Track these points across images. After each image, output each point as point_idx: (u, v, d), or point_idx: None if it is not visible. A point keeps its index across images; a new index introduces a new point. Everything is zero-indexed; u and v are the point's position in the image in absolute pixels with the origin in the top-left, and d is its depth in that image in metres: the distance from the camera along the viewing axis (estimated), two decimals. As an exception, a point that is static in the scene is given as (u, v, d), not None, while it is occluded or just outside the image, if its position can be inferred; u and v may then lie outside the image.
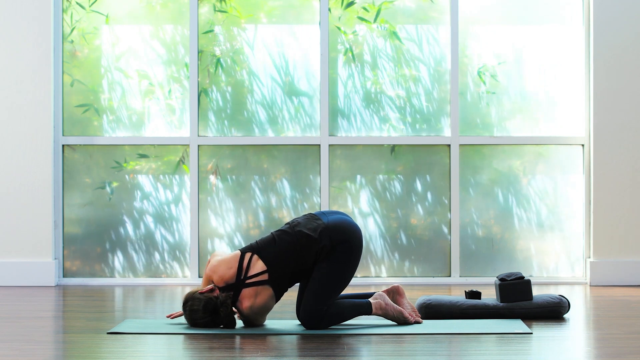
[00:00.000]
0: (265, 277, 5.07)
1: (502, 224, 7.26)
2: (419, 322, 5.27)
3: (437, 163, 7.24)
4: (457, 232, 7.19)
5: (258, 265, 5.09)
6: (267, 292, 5.08)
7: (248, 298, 5.06)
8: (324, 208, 7.15)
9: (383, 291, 5.32)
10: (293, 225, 5.15)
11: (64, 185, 7.19)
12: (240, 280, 5.07)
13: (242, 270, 5.08)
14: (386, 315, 5.22)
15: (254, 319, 5.13)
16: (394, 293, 5.33)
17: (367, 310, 5.19)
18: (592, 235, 7.09)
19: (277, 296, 5.13)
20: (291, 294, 6.50)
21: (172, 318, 5.34)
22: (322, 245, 5.07)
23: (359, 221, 7.20)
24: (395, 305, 5.23)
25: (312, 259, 5.09)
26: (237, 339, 4.90)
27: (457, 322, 5.35)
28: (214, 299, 5.03)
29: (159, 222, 7.25)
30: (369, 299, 5.23)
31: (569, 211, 7.24)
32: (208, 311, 5.04)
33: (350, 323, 5.26)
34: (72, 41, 7.21)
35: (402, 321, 5.23)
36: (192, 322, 5.10)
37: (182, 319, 5.34)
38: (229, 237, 7.21)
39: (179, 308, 6.13)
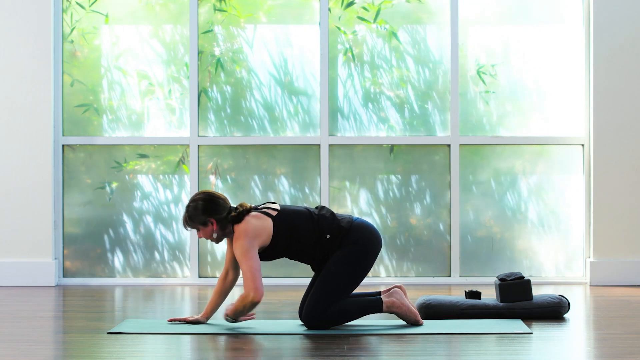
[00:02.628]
0: (273, 212, 5.12)
1: (502, 224, 7.26)
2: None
3: (437, 163, 7.24)
4: (457, 232, 7.19)
5: (273, 206, 5.18)
6: (267, 224, 5.08)
7: (250, 217, 5.07)
8: (324, 208, 7.15)
9: (384, 291, 5.30)
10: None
11: (64, 185, 7.19)
12: (253, 207, 5.18)
13: (258, 205, 5.21)
14: (398, 314, 5.19)
15: (239, 249, 5.03)
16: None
17: (377, 308, 5.16)
18: (592, 235, 7.09)
19: (270, 250, 5.10)
20: (292, 294, 6.50)
21: (172, 321, 5.29)
22: (338, 231, 5.08)
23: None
24: (411, 306, 5.20)
25: (320, 235, 5.08)
26: (237, 340, 4.90)
27: (457, 322, 5.35)
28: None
29: (159, 222, 7.25)
30: (381, 296, 5.20)
31: (569, 211, 7.24)
32: (209, 199, 5.09)
33: (351, 323, 5.25)
34: (72, 41, 7.21)
35: (412, 322, 5.21)
36: (188, 207, 5.10)
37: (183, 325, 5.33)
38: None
39: (179, 308, 6.14)
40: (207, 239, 5.15)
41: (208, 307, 5.28)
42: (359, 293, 5.32)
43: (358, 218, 5.21)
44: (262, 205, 5.19)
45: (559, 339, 4.95)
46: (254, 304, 5.02)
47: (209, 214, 5.08)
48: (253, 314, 5.23)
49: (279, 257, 5.19)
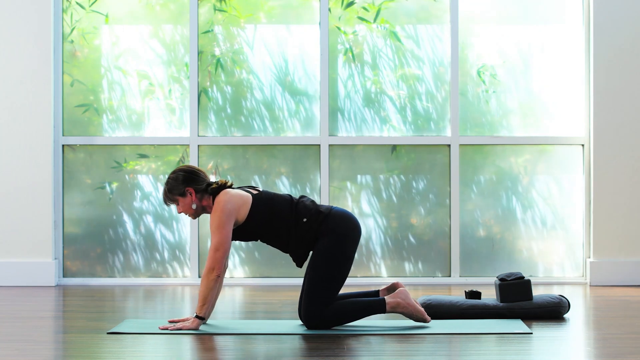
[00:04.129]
0: (254, 191, 5.17)
1: (502, 223, 7.26)
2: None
3: (438, 163, 7.24)
4: (457, 232, 7.19)
5: (256, 188, 5.24)
6: (246, 199, 5.10)
7: (231, 190, 5.13)
8: (324, 208, 7.15)
9: (382, 290, 5.29)
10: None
11: (64, 185, 7.19)
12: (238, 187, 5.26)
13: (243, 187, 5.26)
14: (404, 314, 5.16)
15: (215, 219, 5.05)
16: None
17: (380, 309, 5.14)
18: (592, 235, 7.09)
19: (245, 229, 5.10)
20: (292, 294, 6.51)
21: (171, 322, 5.26)
22: (316, 215, 5.09)
23: (359, 221, 7.19)
24: (417, 305, 5.18)
25: (297, 219, 5.09)
26: (237, 340, 4.90)
27: (457, 322, 5.35)
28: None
29: (159, 222, 7.25)
30: (385, 297, 5.18)
31: (569, 211, 7.24)
32: (189, 170, 5.15)
33: (352, 323, 5.24)
34: (72, 41, 7.22)
35: (420, 320, 5.19)
36: (168, 179, 5.16)
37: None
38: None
39: (179, 308, 6.14)
40: (185, 213, 5.18)
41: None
42: (359, 293, 5.31)
43: (338, 207, 5.21)
44: (244, 186, 5.24)
45: (559, 339, 4.95)
46: (217, 277, 5.03)
47: (188, 183, 5.13)
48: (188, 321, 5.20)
49: (252, 239, 5.18)
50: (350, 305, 5.12)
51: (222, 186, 5.14)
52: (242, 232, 5.14)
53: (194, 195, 5.13)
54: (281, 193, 5.21)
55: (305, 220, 5.10)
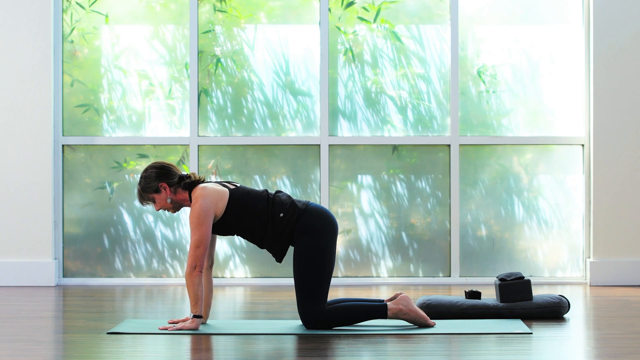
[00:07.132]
0: (231, 186, 5.18)
1: (502, 223, 7.26)
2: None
3: (438, 163, 7.24)
4: (457, 232, 7.19)
5: (233, 183, 5.25)
6: (223, 194, 5.11)
7: (207, 184, 5.15)
8: (324, 208, 7.15)
9: (387, 299, 5.28)
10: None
11: (64, 185, 7.20)
12: (214, 181, 5.26)
13: (220, 181, 5.29)
14: (407, 320, 5.14)
15: (194, 216, 5.05)
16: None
17: (381, 313, 5.12)
18: (592, 235, 7.09)
19: (222, 223, 5.10)
20: (292, 294, 6.50)
21: (171, 323, 5.26)
22: (292, 211, 5.09)
23: (359, 221, 7.20)
24: (419, 310, 5.16)
25: (272, 215, 5.09)
26: (237, 340, 4.90)
27: (457, 322, 5.35)
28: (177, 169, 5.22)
29: (159, 222, 7.25)
30: (387, 302, 5.18)
31: (568, 211, 7.25)
32: (160, 166, 5.16)
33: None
34: (72, 41, 7.22)
35: (423, 325, 5.17)
36: (140, 179, 5.17)
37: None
38: (229, 236, 7.21)
39: (179, 308, 6.14)
40: (164, 209, 5.21)
41: (203, 309, 5.27)
42: (364, 299, 5.29)
43: (314, 203, 5.22)
44: (222, 180, 5.25)
45: (559, 339, 4.95)
46: (200, 274, 5.03)
47: (160, 179, 5.14)
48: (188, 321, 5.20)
49: (229, 234, 5.19)
50: (351, 307, 5.12)
51: (197, 181, 5.16)
52: (219, 226, 5.15)
53: (168, 189, 5.16)
54: (257, 189, 5.22)
55: (282, 215, 5.12)
